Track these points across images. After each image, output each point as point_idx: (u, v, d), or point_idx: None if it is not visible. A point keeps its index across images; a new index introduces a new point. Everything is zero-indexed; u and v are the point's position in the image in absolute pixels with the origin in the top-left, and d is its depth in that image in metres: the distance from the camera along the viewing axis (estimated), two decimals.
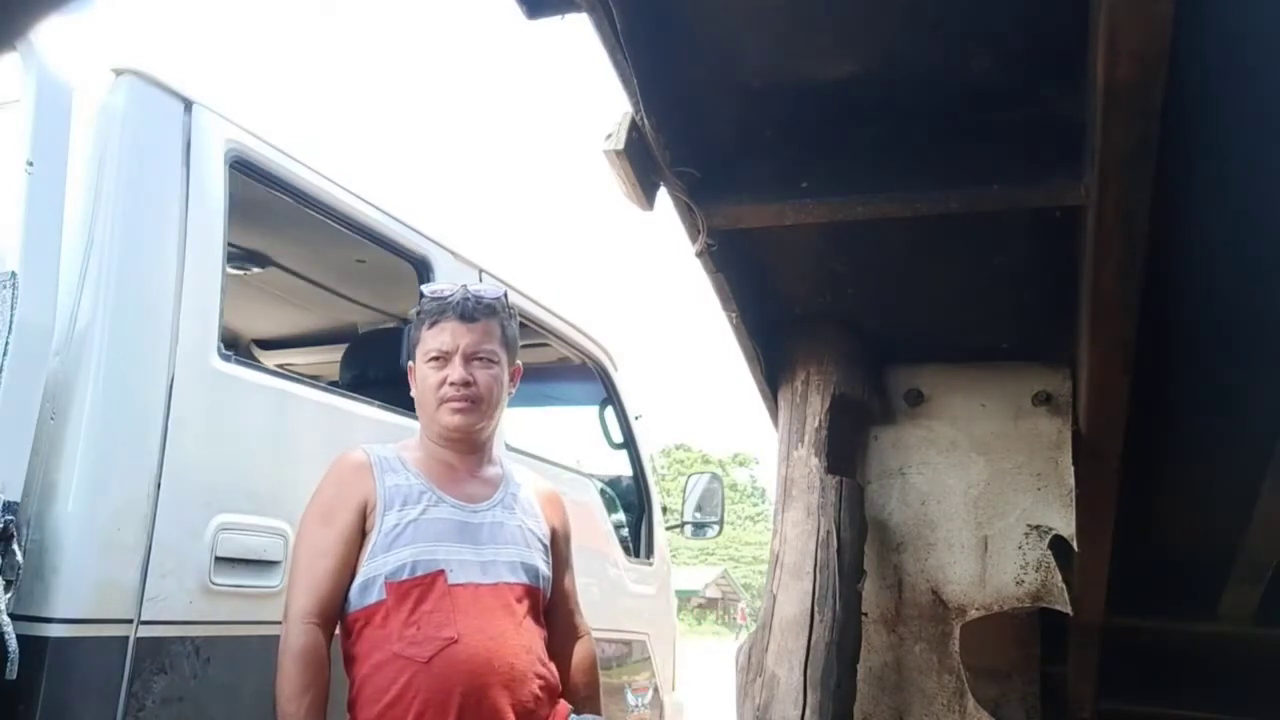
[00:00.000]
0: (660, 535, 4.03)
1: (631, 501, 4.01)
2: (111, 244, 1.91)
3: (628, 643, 3.67)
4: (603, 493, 3.74)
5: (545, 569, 1.97)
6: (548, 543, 2.01)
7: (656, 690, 3.84)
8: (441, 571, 1.82)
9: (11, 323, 1.72)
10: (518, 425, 3.32)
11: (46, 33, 1.81)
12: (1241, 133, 1.50)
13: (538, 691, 1.85)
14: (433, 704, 1.74)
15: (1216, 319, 1.83)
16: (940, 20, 1.51)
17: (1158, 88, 1.27)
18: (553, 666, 1.94)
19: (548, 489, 2.13)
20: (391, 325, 3.51)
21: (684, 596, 41.54)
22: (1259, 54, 1.42)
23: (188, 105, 2.08)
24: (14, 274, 1.75)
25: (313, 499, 1.91)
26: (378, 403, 2.58)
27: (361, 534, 1.85)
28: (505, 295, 2.03)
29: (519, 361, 2.07)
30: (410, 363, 2.02)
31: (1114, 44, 1.23)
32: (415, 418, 2.71)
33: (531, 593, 1.92)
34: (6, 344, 1.72)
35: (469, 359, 1.92)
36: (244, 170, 2.22)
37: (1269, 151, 1.50)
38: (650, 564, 3.93)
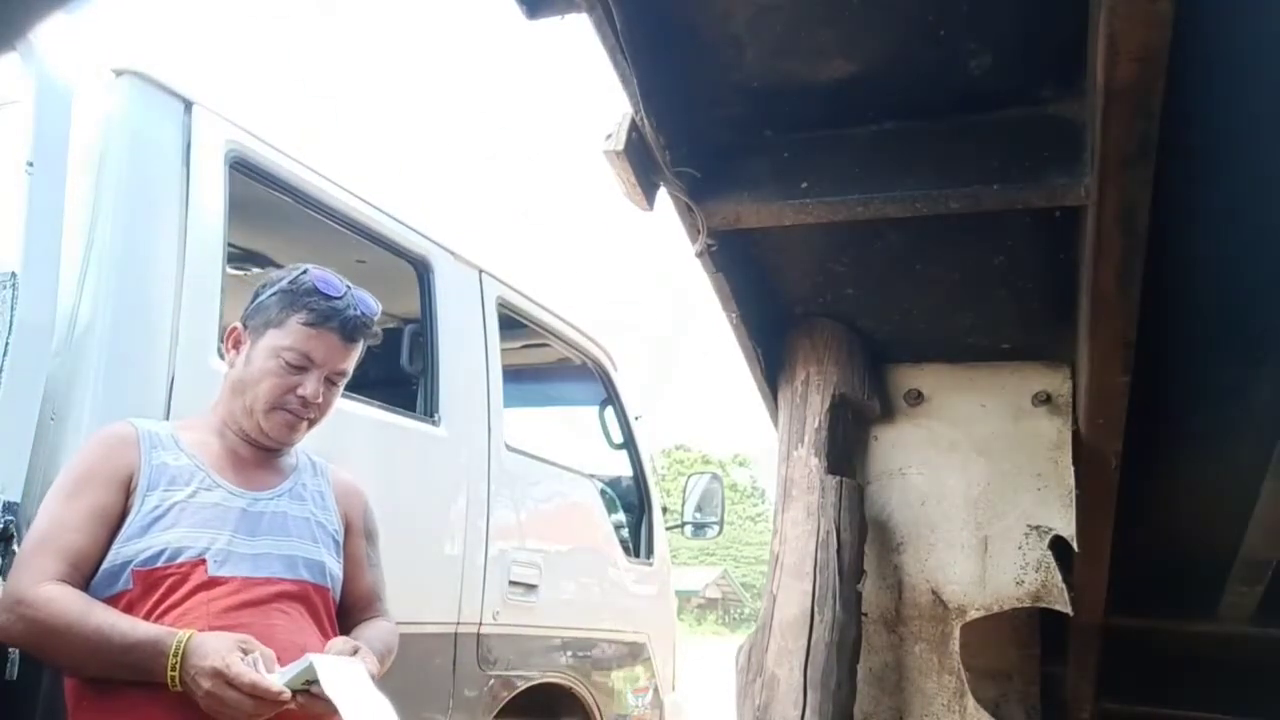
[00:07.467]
0: (660, 536, 4.04)
1: (631, 502, 4.01)
2: (111, 244, 1.91)
3: (628, 643, 3.67)
4: (603, 493, 3.74)
5: (335, 567, 1.76)
6: (340, 539, 1.80)
7: (657, 690, 3.85)
8: (202, 561, 1.57)
9: (11, 323, 1.73)
10: (518, 425, 3.32)
11: (46, 33, 1.81)
12: (1241, 133, 1.50)
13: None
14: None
15: (1216, 319, 1.83)
16: (940, 20, 1.51)
17: (1158, 88, 1.27)
18: None
19: (347, 480, 1.90)
20: (392, 325, 3.51)
21: (684, 597, 41.55)
22: (1259, 54, 1.42)
23: (188, 105, 2.09)
24: (14, 274, 1.75)
25: (60, 475, 1.62)
26: (377, 403, 2.58)
27: (118, 516, 1.57)
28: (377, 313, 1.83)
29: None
30: (244, 328, 1.75)
31: (1114, 44, 1.23)
32: (417, 418, 2.72)
33: (313, 591, 1.70)
34: (6, 344, 1.72)
35: (327, 377, 1.73)
36: (244, 170, 2.23)
37: (1269, 151, 1.50)
38: (650, 564, 3.93)
